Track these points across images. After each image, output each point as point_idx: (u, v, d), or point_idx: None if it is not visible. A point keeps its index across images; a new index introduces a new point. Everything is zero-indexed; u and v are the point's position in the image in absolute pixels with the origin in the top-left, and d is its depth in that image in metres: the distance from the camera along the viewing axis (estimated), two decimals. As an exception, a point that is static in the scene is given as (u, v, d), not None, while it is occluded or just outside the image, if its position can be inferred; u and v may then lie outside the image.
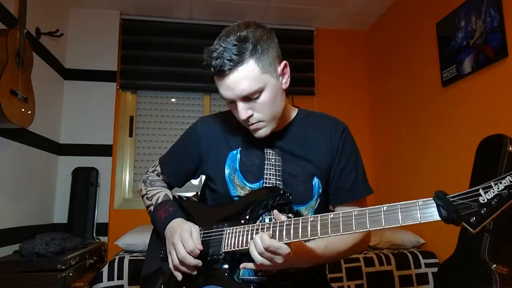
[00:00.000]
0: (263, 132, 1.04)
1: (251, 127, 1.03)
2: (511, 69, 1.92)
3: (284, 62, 1.04)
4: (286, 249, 0.85)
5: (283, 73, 1.04)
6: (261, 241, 0.86)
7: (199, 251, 0.98)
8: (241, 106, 0.98)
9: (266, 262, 0.87)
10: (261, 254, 0.86)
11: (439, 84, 2.44)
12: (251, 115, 1.00)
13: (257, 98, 0.98)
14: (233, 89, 0.96)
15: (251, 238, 0.92)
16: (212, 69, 0.95)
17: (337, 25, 3.45)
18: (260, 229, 0.92)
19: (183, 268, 1.00)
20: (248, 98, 0.97)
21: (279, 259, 0.86)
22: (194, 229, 1.02)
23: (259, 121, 1.01)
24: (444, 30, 2.41)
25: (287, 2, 3.04)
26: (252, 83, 0.95)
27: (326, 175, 1.10)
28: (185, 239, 0.98)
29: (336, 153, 1.10)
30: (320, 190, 1.08)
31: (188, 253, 0.97)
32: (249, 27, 0.97)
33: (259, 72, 0.96)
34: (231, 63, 0.93)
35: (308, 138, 1.12)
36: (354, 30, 3.54)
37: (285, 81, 1.05)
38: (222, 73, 0.95)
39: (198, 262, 0.98)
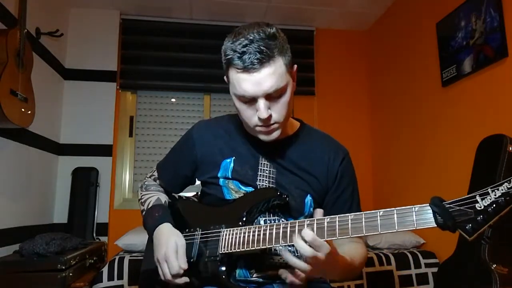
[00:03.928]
0: (275, 134, 0.99)
1: (268, 129, 0.98)
2: (511, 69, 1.92)
3: (295, 66, 1.03)
4: (327, 248, 0.80)
5: (294, 76, 1.03)
6: (304, 235, 0.80)
7: (182, 271, 0.96)
8: (263, 104, 0.93)
9: (313, 256, 0.80)
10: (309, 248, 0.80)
11: (439, 84, 2.44)
12: (270, 115, 0.95)
13: (279, 97, 0.95)
14: (261, 85, 0.91)
15: (248, 240, 0.91)
16: (241, 62, 0.90)
17: (337, 25, 3.45)
18: (257, 231, 0.91)
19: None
20: (270, 96, 0.94)
21: (321, 256, 0.79)
22: (180, 242, 0.99)
23: (275, 122, 0.97)
24: (444, 30, 2.41)
25: (287, 2, 3.04)
26: (279, 80, 0.92)
27: (321, 197, 1.08)
28: (170, 260, 0.96)
29: (334, 179, 1.08)
30: (312, 209, 1.06)
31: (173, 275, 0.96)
32: (271, 26, 0.95)
33: (285, 70, 0.94)
34: (263, 56, 0.89)
35: (307, 156, 1.08)
36: (354, 30, 3.54)
37: (294, 84, 1.04)
38: (252, 67, 0.90)
39: (186, 280, 0.97)
